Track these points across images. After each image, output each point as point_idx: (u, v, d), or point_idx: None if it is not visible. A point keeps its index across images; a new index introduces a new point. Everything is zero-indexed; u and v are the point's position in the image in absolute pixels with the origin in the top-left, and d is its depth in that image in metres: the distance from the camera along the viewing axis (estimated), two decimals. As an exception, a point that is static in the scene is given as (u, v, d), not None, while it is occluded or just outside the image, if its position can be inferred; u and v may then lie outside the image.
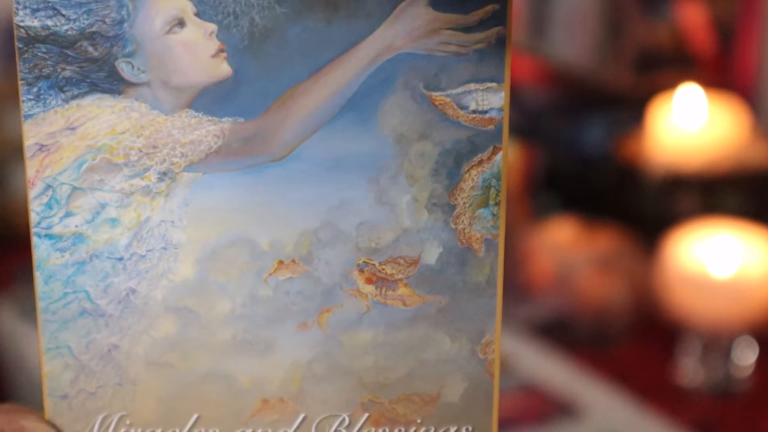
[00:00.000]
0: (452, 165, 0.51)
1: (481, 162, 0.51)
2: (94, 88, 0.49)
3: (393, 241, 0.51)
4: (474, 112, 0.50)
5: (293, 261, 0.51)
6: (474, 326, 0.53)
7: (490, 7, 0.49)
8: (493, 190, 0.51)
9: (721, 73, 1.65)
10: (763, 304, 1.33)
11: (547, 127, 1.74)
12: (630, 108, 1.64)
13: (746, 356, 1.36)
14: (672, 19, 1.67)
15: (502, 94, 0.50)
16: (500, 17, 0.49)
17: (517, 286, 1.52)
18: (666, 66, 1.66)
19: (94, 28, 0.48)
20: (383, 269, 0.52)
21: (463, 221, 0.52)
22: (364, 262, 0.52)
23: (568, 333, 1.44)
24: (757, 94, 1.60)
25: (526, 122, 1.75)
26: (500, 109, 0.50)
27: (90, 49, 0.48)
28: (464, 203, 0.51)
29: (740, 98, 1.59)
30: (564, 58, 1.78)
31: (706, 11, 1.65)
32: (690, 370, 1.36)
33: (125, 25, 0.48)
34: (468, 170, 0.51)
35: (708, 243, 1.36)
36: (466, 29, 0.49)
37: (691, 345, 1.36)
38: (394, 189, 0.51)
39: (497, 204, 0.52)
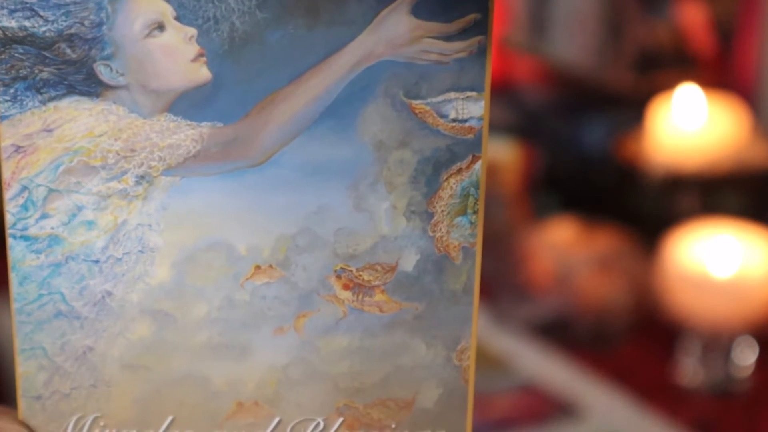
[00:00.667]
0: (431, 173, 0.51)
1: (460, 170, 0.51)
2: (72, 90, 0.48)
3: (371, 248, 0.51)
4: (454, 120, 0.50)
5: (270, 266, 0.51)
6: (450, 333, 0.53)
7: (471, 17, 0.49)
8: (471, 199, 0.51)
9: (721, 73, 1.65)
10: (763, 304, 1.33)
11: (547, 127, 1.74)
12: (630, 108, 1.64)
13: (746, 356, 1.36)
14: (672, 19, 1.67)
15: (482, 103, 0.50)
16: (482, 27, 0.49)
17: (517, 286, 1.52)
18: (666, 66, 1.66)
19: (72, 30, 0.48)
20: (360, 275, 0.52)
21: (441, 229, 0.52)
22: (341, 268, 0.52)
23: (568, 333, 1.44)
24: (757, 94, 1.60)
25: (526, 122, 1.75)
26: (480, 118, 0.50)
27: (68, 51, 0.48)
28: (442, 211, 0.51)
29: (740, 98, 1.59)
30: (564, 58, 1.78)
31: (706, 11, 1.65)
32: (690, 370, 1.36)
33: (104, 27, 0.48)
34: (447, 178, 0.51)
35: (708, 243, 1.36)
36: (448, 38, 0.49)
37: (691, 345, 1.36)
38: (373, 196, 0.51)
39: (475, 212, 0.52)
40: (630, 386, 1.34)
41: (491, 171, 1.66)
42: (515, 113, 1.77)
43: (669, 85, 1.59)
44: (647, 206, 1.57)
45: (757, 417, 1.31)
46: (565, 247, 1.49)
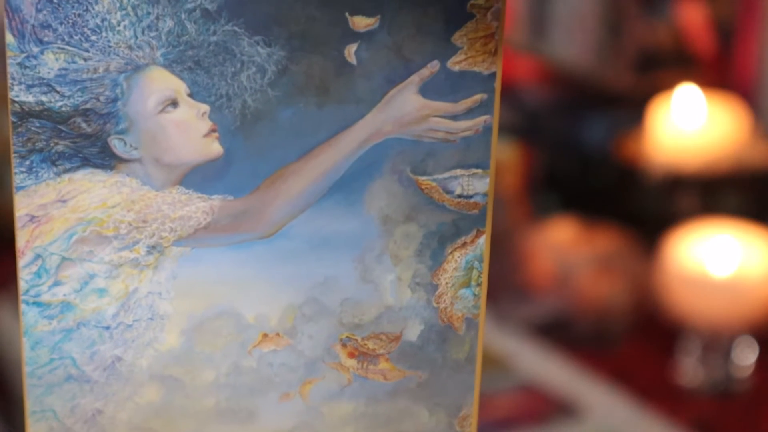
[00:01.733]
0: (436, 246, 0.52)
1: (464, 244, 0.52)
2: (86, 162, 0.49)
3: (376, 318, 0.52)
4: (459, 196, 0.51)
5: (277, 334, 0.52)
6: (452, 401, 0.54)
7: (478, 97, 0.50)
8: (475, 272, 0.53)
9: (721, 73, 1.65)
10: (763, 304, 1.34)
11: (547, 127, 1.74)
12: (630, 108, 1.64)
13: (746, 356, 1.36)
14: (672, 19, 1.67)
15: (487, 180, 0.51)
16: (488, 106, 0.50)
17: (517, 286, 1.52)
18: (666, 66, 1.67)
19: (88, 105, 0.48)
20: (365, 344, 0.53)
21: (445, 300, 0.52)
22: (346, 336, 0.52)
23: (568, 333, 1.44)
24: (757, 94, 1.60)
25: (526, 122, 1.75)
26: (485, 194, 0.51)
27: (83, 125, 0.49)
28: (447, 283, 0.52)
29: (740, 98, 1.59)
30: (564, 58, 1.78)
31: (706, 11, 1.65)
32: (690, 370, 1.36)
33: (119, 103, 0.48)
34: (451, 252, 0.52)
35: (708, 243, 1.36)
36: (454, 117, 0.50)
37: (691, 345, 1.36)
38: (379, 268, 0.52)
39: (479, 284, 0.53)
40: (630, 386, 1.34)
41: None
42: (515, 113, 1.77)
43: (669, 85, 1.59)
44: (647, 206, 1.57)
45: (757, 417, 1.31)
46: (565, 247, 1.49)
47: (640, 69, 1.68)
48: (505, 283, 1.53)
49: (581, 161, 1.68)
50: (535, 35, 1.81)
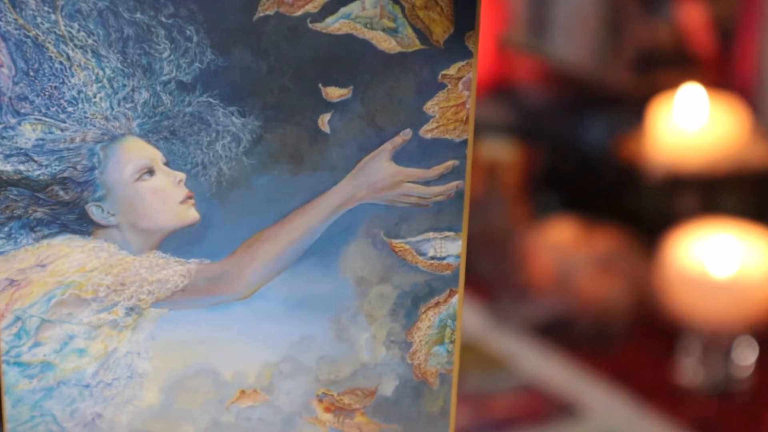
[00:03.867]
0: (410, 306, 0.53)
1: (437, 304, 0.53)
2: (65, 228, 0.50)
3: (351, 374, 0.54)
4: (432, 258, 0.53)
5: (255, 390, 0.53)
6: None
7: (450, 163, 0.51)
8: (448, 330, 0.54)
9: (721, 73, 1.65)
10: (763, 304, 1.34)
11: (547, 127, 1.74)
12: (630, 108, 1.64)
13: (746, 356, 1.36)
14: (672, 19, 1.67)
15: (460, 242, 0.53)
16: (459, 172, 0.52)
17: (517, 286, 1.52)
18: (666, 66, 1.66)
19: (65, 174, 0.49)
20: (341, 399, 0.54)
21: (419, 357, 0.54)
22: (323, 392, 0.54)
23: (568, 333, 1.44)
24: (757, 94, 1.60)
25: (526, 122, 1.75)
26: (457, 256, 0.53)
27: (61, 193, 0.49)
28: (420, 341, 0.54)
29: (740, 98, 1.59)
30: (564, 58, 1.78)
31: (706, 11, 1.65)
32: (690, 370, 1.36)
33: (96, 171, 0.49)
34: (425, 311, 0.53)
35: (708, 243, 1.36)
36: (427, 182, 0.52)
37: (691, 345, 1.36)
38: (354, 327, 0.53)
39: (452, 341, 0.54)
40: (630, 386, 1.34)
41: (491, 171, 1.66)
42: (515, 113, 1.77)
43: (669, 85, 1.59)
44: (647, 206, 1.57)
45: (757, 417, 1.31)
46: (565, 247, 1.49)
47: (640, 69, 1.68)
48: (505, 283, 1.53)
49: (581, 161, 1.68)
50: (535, 35, 1.81)
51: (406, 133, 0.51)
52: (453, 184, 0.52)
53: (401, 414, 0.54)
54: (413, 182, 0.52)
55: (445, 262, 0.53)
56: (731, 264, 1.34)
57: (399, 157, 0.51)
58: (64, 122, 0.48)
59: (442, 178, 0.52)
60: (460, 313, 0.54)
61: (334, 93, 0.50)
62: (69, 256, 0.50)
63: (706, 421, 1.30)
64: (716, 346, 1.35)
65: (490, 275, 1.56)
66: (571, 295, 1.46)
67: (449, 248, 0.53)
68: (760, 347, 1.37)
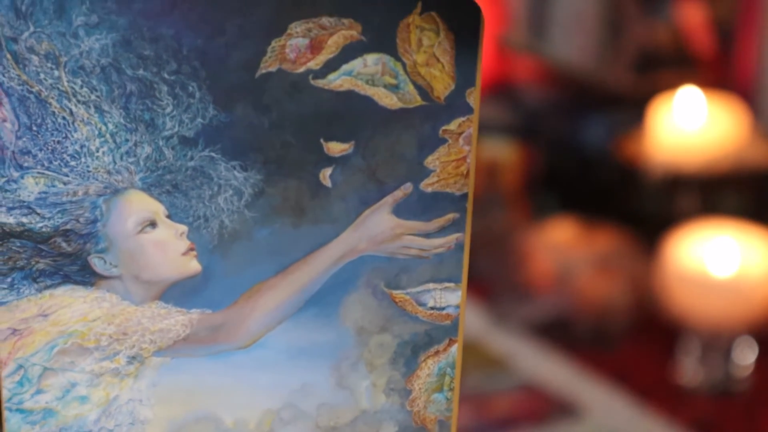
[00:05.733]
0: (410, 355, 0.54)
1: (437, 353, 0.54)
2: (67, 279, 0.50)
3: (351, 421, 0.54)
4: (432, 308, 0.53)
5: None
6: None
7: (450, 216, 0.52)
8: (447, 378, 0.55)
9: (721, 73, 1.65)
10: (763, 304, 1.34)
11: (547, 127, 1.74)
12: (630, 108, 1.64)
13: (746, 356, 1.36)
14: (672, 19, 1.67)
15: (459, 292, 0.53)
16: (459, 225, 0.52)
17: (517, 286, 1.52)
18: (666, 66, 1.67)
19: (68, 226, 0.50)
20: None
21: (418, 404, 0.55)
22: None
23: (568, 333, 1.44)
24: (757, 94, 1.60)
25: (526, 122, 1.75)
26: (457, 306, 0.53)
27: (64, 245, 0.50)
28: (420, 388, 0.55)
29: (740, 98, 1.59)
30: (564, 58, 1.78)
31: (706, 11, 1.65)
32: (690, 370, 1.36)
33: (98, 224, 0.50)
34: (425, 359, 0.54)
35: (708, 243, 1.36)
36: (427, 235, 0.52)
37: (691, 345, 1.36)
38: (354, 375, 0.54)
39: (451, 389, 0.55)
40: (630, 386, 1.34)
41: (491, 171, 1.66)
42: (515, 113, 1.77)
43: (669, 85, 1.59)
44: (647, 206, 1.57)
45: (757, 417, 1.31)
46: (565, 247, 1.49)
47: (640, 69, 1.68)
48: (505, 283, 1.53)
49: (581, 161, 1.68)
50: (535, 35, 1.81)
51: (407, 187, 0.51)
52: (453, 237, 0.52)
53: None
54: (413, 235, 0.52)
55: (444, 312, 0.53)
56: (731, 264, 1.34)
57: (400, 211, 0.52)
58: (67, 176, 0.49)
59: (442, 231, 0.52)
60: (459, 361, 0.55)
61: (335, 148, 0.50)
62: (71, 306, 0.51)
63: (706, 421, 1.30)
64: (716, 346, 1.35)
65: (490, 275, 1.56)
66: (571, 295, 1.46)
67: (449, 299, 0.53)
68: (760, 347, 1.37)
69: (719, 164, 1.53)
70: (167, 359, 0.52)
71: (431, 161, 0.51)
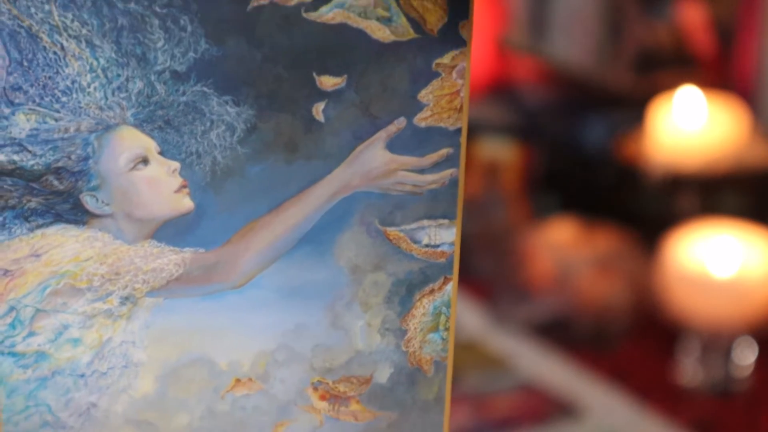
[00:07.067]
0: (405, 294, 0.53)
1: (432, 291, 0.54)
2: (59, 218, 0.50)
3: (346, 362, 0.54)
4: (427, 246, 0.53)
5: (250, 379, 0.53)
6: None
7: (444, 151, 0.52)
8: (443, 317, 0.54)
9: (721, 73, 1.65)
10: (763, 304, 1.34)
11: (547, 127, 1.74)
12: (630, 108, 1.64)
13: (746, 356, 1.36)
14: (672, 19, 1.67)
15: (454, 229, 0.53)
16: (453, 160, 0.52)
17: (517, 286, 1.52)
18: (666, 66, 1.67)
19: (59, 164, 0.49)
20: (336, 387, 0.54)
21: (413, 344, 0.54)
22: (318, 380, 0.54)
23: (568, 333, 1.44)
24: (757, 94, 1.60)
25: (526, 122, 1.75)
26: (451, 244, 0.53)
27: (55, 182, 0.49)
28: (415, 328, 0.54)
29: (740, 98, 1.59)
30: (564, 58, 1.78)
31: (706, 11, 1.65)
32: (690, 370, 1.36)
33: (90, 161, 0.49)
34: (420, 299, 0.54)
35: (708, 243, 1.36)
36: (421, 171, 0.52)
37: (691, 345, 1.36)
38: (349, 315, 0.53)
39: (447, 329, 0.54)
40: (630, 386, 1.34)
41: (491, 171, 1.66)
42: (515, 113, 1.77)
43: (669, 85, 1.59)
44: (647, 206, 1.57)
45: (757, 417, 1.31)
46: (565, 247, 1.49)
47: (640, 69, 1.68)
48: (505, 283, 1.53)
49: (581, 161, 1.68)
50: (535, 35, 1.81)
51: (401, 122, 0.51)
52: (447, 172, 0.52)
53: (396, 402, 0.55)
54: (407, 170, 0.52)
55: (439, 249, 0.53)
56: (731, 264, 1.34)
57: (393, 146, 0.51)
58: (59, 112, 0.48)
59: (436, 166, 0.52)
60: (454, 300, 0.54)
61: (328, 82, 0.50)
62: (63, 246, 0.50)
63: (706, 421, 1.30)
64: (716, 346, 1.35)
65: (490, 275, 1.56)
66: (571, 295, 1.46)
67: (443, 236, 0.53)
68: (760, 347, 1.37)
69: (719, 164, 1.53)
70: (160, 300, 0.52)
71: (424, 95, 0.51)
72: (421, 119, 0.51)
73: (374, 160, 0.51)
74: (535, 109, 1.78)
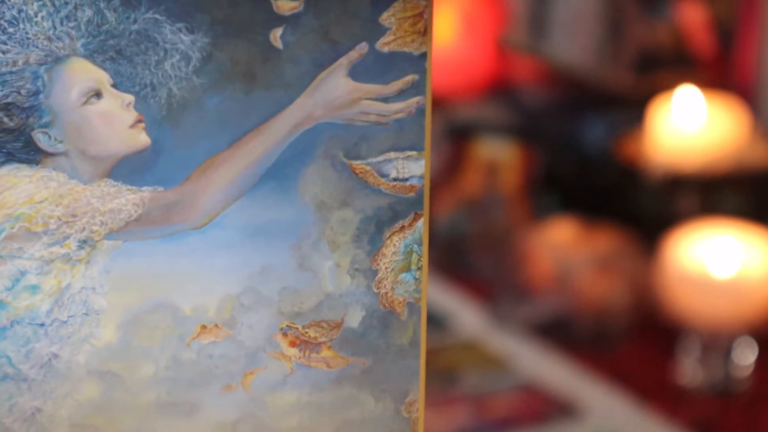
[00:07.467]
0: (374, 231, 0.51)
1: (402, 228, 0.51)
2: (11, 158, 0.48)
3: (316, 306, 0.52)
4: (395, 179, 0.51)
5: (216, 325, 0.51)
6: (398, 386, 0.53)
7: (409, 78, 0.50)
8: (415, 255, 0.52)
9: (721, 73, 1.65)
10: (763, 304, 1.34)
11: (547, 127, 1.74)
12: (630, 108, 1.64)
13: (746, 356, 1.36)
14: (672, 19, 1.67)
15: (423, 162, 0.51)
16: (419, 87, 0.50)
17: (517, 286, 1.52)
18: (666, 66, 1.66)
19: (9, 99, 0.47)
20: (306, 332, 0.52)
21: (385, 286, 0.52)
22: (287, 325, 0.52)
23: (568, 333, 1.44)
24: (757, 94, 1.60)
25: (526, 122, 1.75)
26: (421, 177, 0.51)
27: (5, 119, 0.48)
28: (386, 268, 0.52)
29: (740, 98, 1.59)
30: (564, 58, 1.78)
31: (706, 11, 1.65)
32: (690, 370, 1.36)
33: (41, 96, 0.48)
34: (390, 236, 0.51)
35: (708, 243, 1.36)
36: (386, 99, 0.50)
37: (691, 345, 1.36)
38: (316, 255, 0.51)
39: (419, 269, 0.52)
40: (630, 386, 1.34)
41: (491, 171, 1.66)
42: (515, 113, 1.77)
43: (669, 85, 1.59)
44: (647, 206, 1.57)
45: (757, 417, 1.31)
46: (565, 247, 1.49)
47: (640, 69, 1.68)
48: (505, 283, 1.53)
49: (581, 161, 1.68)
50: (535, 35, 1.81)
51: (362, 47, 0.49)
52: (413, 100, 0.50)
53: (369, 347, 0.52)
54: (371, 99, 0.50)
55: (408, 183, 0.51)
56: (731, 264, 1.34)
57: (356, 73, 0.49)
58: (5, 44, 0.47)
59: (401, 94, 0.50)
60: (426, 237, 0.52)
61: (285, 6, 0.48)
62: (17, 187, 0.48)
63: (706, 421, 1.30)
64: (716, 346, 1.35)
65: (490, 275, 1.56)
66: (571, 295, 1.46)
67: (412, 168, 0.51)
68: (760, 347, 1.37)
69: (719, 164, 1.53)
70: (119, 243, 0.50)
71: (386, 18, 0.49)
72: (384, 44, 0.49)
73: (336, 89, 0.49)
74: (535, 109, 1.78)
